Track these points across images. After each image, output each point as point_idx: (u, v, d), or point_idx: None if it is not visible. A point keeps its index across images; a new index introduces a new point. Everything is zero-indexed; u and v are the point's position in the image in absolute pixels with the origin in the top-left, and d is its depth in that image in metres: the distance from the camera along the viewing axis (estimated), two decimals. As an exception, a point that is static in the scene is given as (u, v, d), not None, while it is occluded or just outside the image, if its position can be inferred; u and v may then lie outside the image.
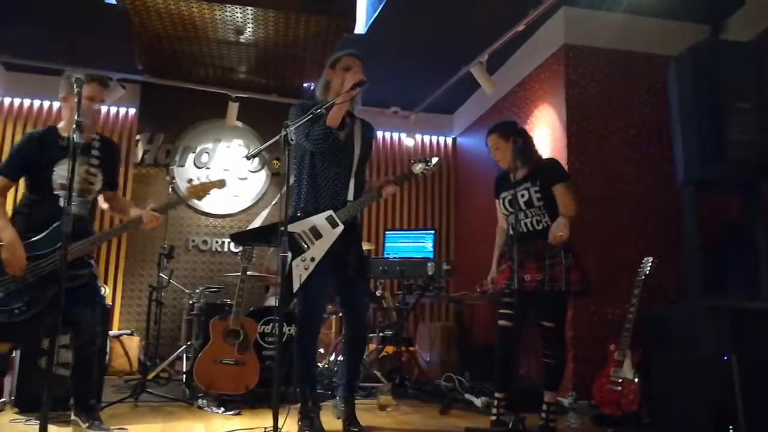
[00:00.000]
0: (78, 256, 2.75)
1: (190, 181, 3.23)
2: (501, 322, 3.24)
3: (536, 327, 3.23)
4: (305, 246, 2.87)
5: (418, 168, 3.10)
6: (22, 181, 2.90)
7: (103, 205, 3.16)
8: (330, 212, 2.90)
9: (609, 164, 4.40)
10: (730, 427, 2.52)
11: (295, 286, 2.82)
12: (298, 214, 2.95)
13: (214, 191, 3.13)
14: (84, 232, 2.83)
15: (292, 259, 2.83)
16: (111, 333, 4.51)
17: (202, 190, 3.07)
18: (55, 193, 2.82)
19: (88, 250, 2.85)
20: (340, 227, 2.89)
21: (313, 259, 2.85)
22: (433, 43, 5.08)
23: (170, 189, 5.19)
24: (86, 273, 2.85)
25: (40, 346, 3.34)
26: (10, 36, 5.09)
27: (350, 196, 2.97)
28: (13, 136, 5.90)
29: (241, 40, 5.15)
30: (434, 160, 3.12)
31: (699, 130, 3.53)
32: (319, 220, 2.89)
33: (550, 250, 3.16)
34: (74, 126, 2.34)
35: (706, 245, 3.58)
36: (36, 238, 2.75)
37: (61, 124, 2.97)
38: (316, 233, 2.88)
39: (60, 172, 2.82)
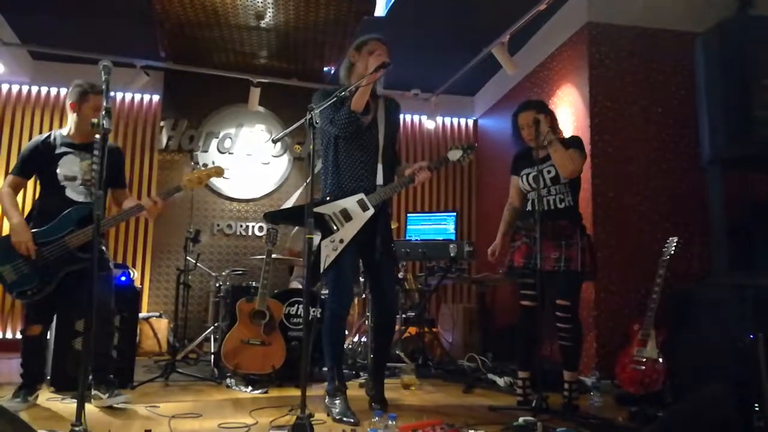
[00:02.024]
0: (85, 241, 2.96)
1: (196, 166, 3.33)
2: (523, 303, 3.28)
3: (551, 308, 3.24)
4: (335, 227, 2.90)
5: (456, 156, 3.01)
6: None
7: (114, 203, 3.33)
8: (361, 195, 2.93)
9: (633, 144, 4.35)
10: (756, 406, 2.51)
11: (323, 267, 2.86)
12: (327, 199, 2.98)
13: (213, 179, 3.24)
14: (90, 220, 2.94)
15: (321, 240, 2.87)
16: (140, 315, 4.61)
17: (199, 178, 3.16)
18: (62, 184, 3.11)
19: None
20: (371, 210, 2.91)
21: (341, 241, 2.89)
22: (454, 24, 5.04)
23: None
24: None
25: (74, 327, 3.46)
26: (37, 24, 5.18)
27: (379, 180, 2.98)
28: (41, 125, 6.02)
29: (262, 25, 5.18)
30: (473, 150, 3.02)
31: (725, 108, 3.47)
32: (350, 202, 2.92)
33: (568, 230, 3.19)
34: (103, 113, 2.40)
35: (731, 224, 3.54)
36: (46, 227, 2.99)
37: (64, 130, 3.22)
38: (347, 215, 2.92)
39: (64, 167, 3.11)
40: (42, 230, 2.99)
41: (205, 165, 3.28)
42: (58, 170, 3.10)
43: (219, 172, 3.23)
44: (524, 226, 3.33)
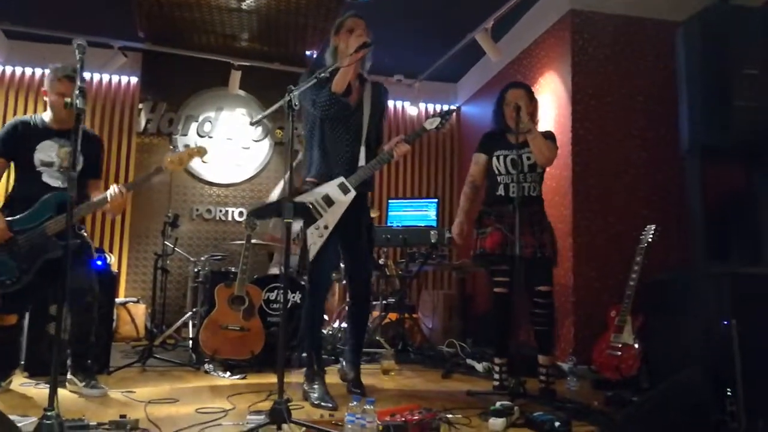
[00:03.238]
0: (62, 228, 2.85)
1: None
2: (497, 290, 3.28)
3: (528, 294, 3.23)
4: (318, 215, 2.88)
5: (434, 124, 2.96)
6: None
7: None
8: (341, 179, 2.90)
9: (614, 132, 4.37)
10: (728, 390, 2.55)
11: (311, 255, 2.84)
12: (310, 184, 2.95)
13: (196, 159, 3.19)
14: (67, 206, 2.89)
15: (306, 228, 2.84)
16: (117, 300, 4.55)
17: (180, 159, 3.08)
18: (38, 170, 3.03)
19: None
20: (352, 193, 2.89)
21: (326, 227, 2.87)
22: (437, 9, 5.00)
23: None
24: (71, 243, 2.93)
25: (48, 312, 3.41)
26: (11, 3, 5.04)
27: (362, 163, 2.96)
28: (15, 105, 5.88)
29: (243, 7, 5.08)
30: (450, 115, 2.99)
31: (705, 97, 3.49)
32: (331, 188, 2.90)
33: (539, 216, 3.22)
34: (77, 92, 2.32)
35: (709, 213, 3.57)
36: (22, 215, 2.91)
37: (45, 115, 3.13)
38: (329, 201, 2.89)
39: (41, 152, 3.04)
40: (20, 218, 2.90)
41: (186, 145, 3.21)
42: (35, 155, 3.03)
43: (201, 152, 3.15)
44: (494, 212, 3.29)
